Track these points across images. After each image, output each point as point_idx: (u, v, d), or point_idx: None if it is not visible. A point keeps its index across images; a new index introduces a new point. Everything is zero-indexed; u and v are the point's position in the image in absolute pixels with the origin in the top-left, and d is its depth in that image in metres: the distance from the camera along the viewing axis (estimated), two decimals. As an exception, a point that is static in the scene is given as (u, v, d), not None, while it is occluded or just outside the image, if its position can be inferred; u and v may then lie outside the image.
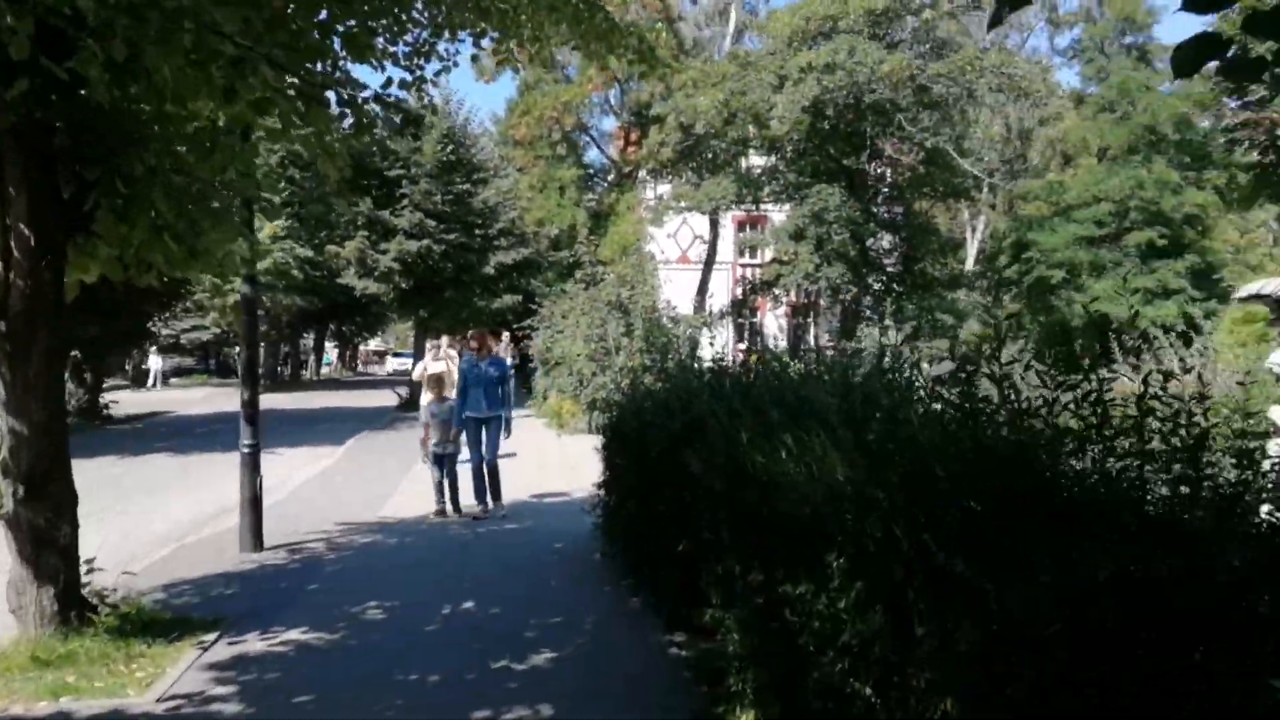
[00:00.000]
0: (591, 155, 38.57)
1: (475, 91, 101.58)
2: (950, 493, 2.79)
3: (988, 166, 28.01)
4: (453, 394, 10.11)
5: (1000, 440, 2.92)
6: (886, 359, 5.14)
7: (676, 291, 25.94)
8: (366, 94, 6.05)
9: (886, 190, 28.20)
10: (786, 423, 4.22)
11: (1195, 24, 68.31)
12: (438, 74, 6.75)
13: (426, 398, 10.43)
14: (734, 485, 4.17)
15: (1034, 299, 35.72)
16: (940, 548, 2.63)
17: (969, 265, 37.01)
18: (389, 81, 6.32)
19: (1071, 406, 3.06)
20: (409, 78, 6.80)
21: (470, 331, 10.73)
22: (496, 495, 9.87)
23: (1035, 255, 35.25)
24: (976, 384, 3.32)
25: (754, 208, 29.85)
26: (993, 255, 38.22)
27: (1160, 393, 2.88)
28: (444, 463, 9.85)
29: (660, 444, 5.56)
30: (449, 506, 9.85)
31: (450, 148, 29.19)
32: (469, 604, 6.27)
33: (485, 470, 9.76)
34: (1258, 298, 5.63)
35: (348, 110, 6.17)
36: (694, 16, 35.90)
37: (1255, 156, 23.81)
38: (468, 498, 9.84)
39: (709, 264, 31.13)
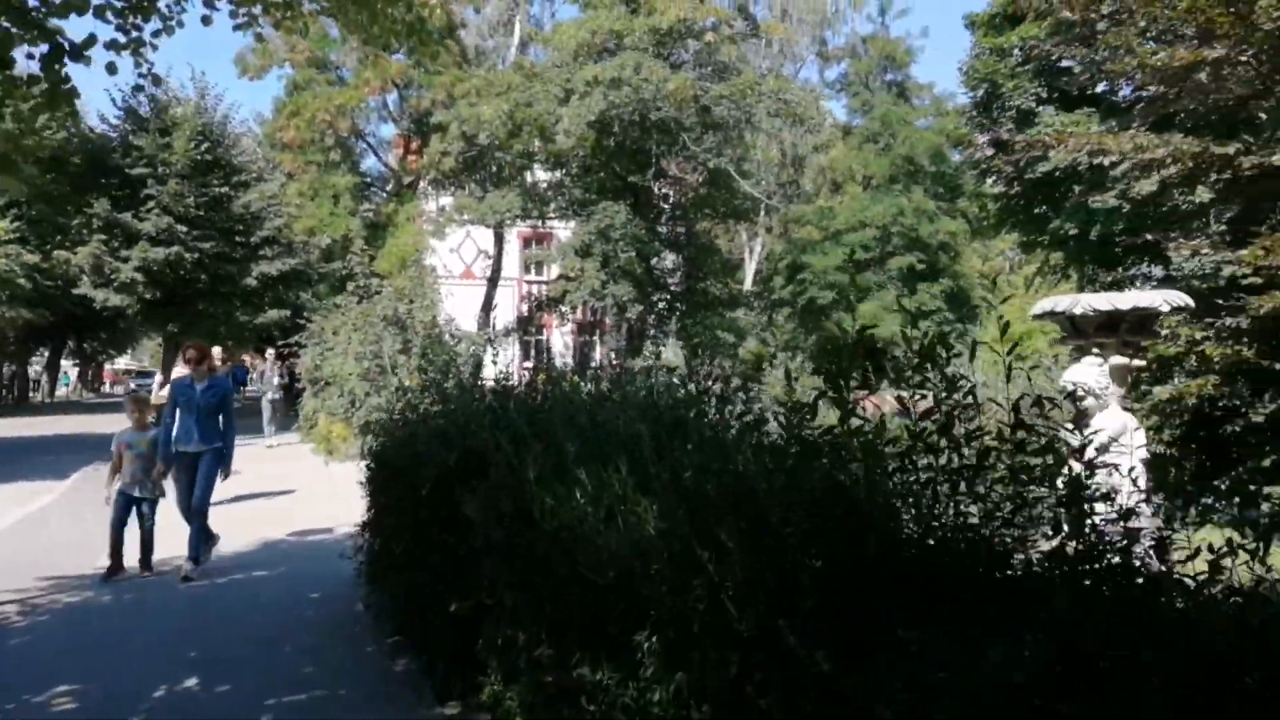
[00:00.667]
0: (369, 163, 36.59)
1: (239, 89, 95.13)
2: (802, 553, 2.16)
3: (766, 190, 28.82)
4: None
5: (867, 483, 2.33)
6: (694, 376, 4.55)
7: (460, 308, 24.81)
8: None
9: (670, 209, 28.40)
10: (584, 455, 3.51)
11: (947, 66, 74.75)
12: (157, 35, 5.58)
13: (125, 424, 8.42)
14: (519, 534, 3.41)
15: (807, 319, 37.26)
16: (794, 631, 1.98)
17: (747, 285, 38.10)
18: (91, 39, 5.12)
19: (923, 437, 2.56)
20: (122, 38, 5.61)
21: (186, 343, 8.46)
22: (196, 552, 7.94)
23: (808, 277, 36.79)
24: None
25: (540, 223, 29.25)
26: (769, 276, 39.59)
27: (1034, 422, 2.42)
28: (132, 508, 8.00)
29: (432, 479, 4.71)
30: (135, 563, 8.04)
31: (205, 146, 26.64)
32: (192, 682, 5.10)
33: (191, 518, 7.99)
34: (1051, 315, 5.47)
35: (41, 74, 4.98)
36: (477, 26, 34.93)
37: (1001, 188, 25.93)
38: (171, 550, 8.13)
39: (494, 280, 30.17)
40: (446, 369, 10.21)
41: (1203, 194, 8.24)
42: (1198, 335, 7.71)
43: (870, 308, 34.93)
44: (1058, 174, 20.36)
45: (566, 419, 4.05)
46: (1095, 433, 3.20)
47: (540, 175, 28.18)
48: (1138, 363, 5.57)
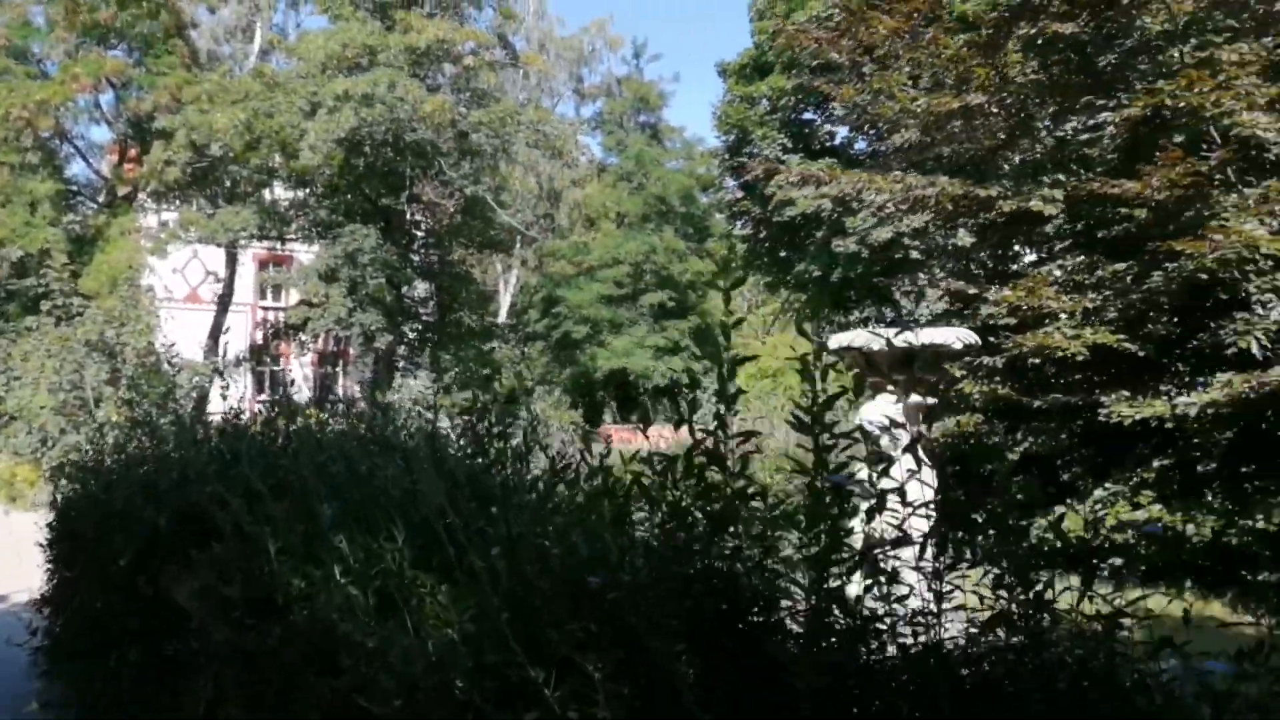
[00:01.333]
0: (76, 169, 32.44)
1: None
2: (685, 671, 1.52)
3: (525, 221, 28.35)
4: None
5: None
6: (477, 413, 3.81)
7: (183, 334, 22.25)
8: None
9: (424, 236, 27.22)
10: (345, 519, 2.71)
11: (700, 111, 78.39)
12: None
13: None
14: (253, 631, 2.54)
15: (562, 352, 37.09)
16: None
17: (502, 318, 37.41)
18: None
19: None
20: None
21: None
22: None
23: (563, 311, 36.67)
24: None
25: (279, 245, 27.06)
26: (524, 309, 39.12)
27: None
28: None
29: (134, 547, 3.66)
30: None
31: None
32: None
33: None
34: (847, 350, 5.23)
35: None
36: (211, 29, 32.11)
37: (749, 230, 27.04)
38: None
39: (224, 304, 27.48)
40: (163, 402, 8.73)
41: (965, 237, 8.59)
42: (956, 373, 7.95)
43: (623, 343, 35.38)
44: (799, 219, 21.41)
45: (317, 469, 3.18)
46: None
47: (281, 193, 26.11)
48: (930, 401, 5.48)
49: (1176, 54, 6.68)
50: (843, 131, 23.81)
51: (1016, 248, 8.17)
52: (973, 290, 7.13)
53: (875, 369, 5.68)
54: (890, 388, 5.61)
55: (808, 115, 24.17)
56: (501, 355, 31.01)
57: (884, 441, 5.37)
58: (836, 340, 5.77)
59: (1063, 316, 6.66)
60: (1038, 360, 6.56)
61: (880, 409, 5.60)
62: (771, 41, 23.85)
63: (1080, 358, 6.10)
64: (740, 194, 24.80)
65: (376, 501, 2.86)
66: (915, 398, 5.62)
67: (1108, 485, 6.42)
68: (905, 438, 5.21)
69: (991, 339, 8.26)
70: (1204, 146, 6.38)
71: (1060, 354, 6.00)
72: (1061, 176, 7.14)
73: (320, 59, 22.64)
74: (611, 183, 38.79)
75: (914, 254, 20.07)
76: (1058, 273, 6.94)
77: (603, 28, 38.57)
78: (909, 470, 4.94)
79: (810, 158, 22.49)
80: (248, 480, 3.25)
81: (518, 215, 27.64)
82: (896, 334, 5.45)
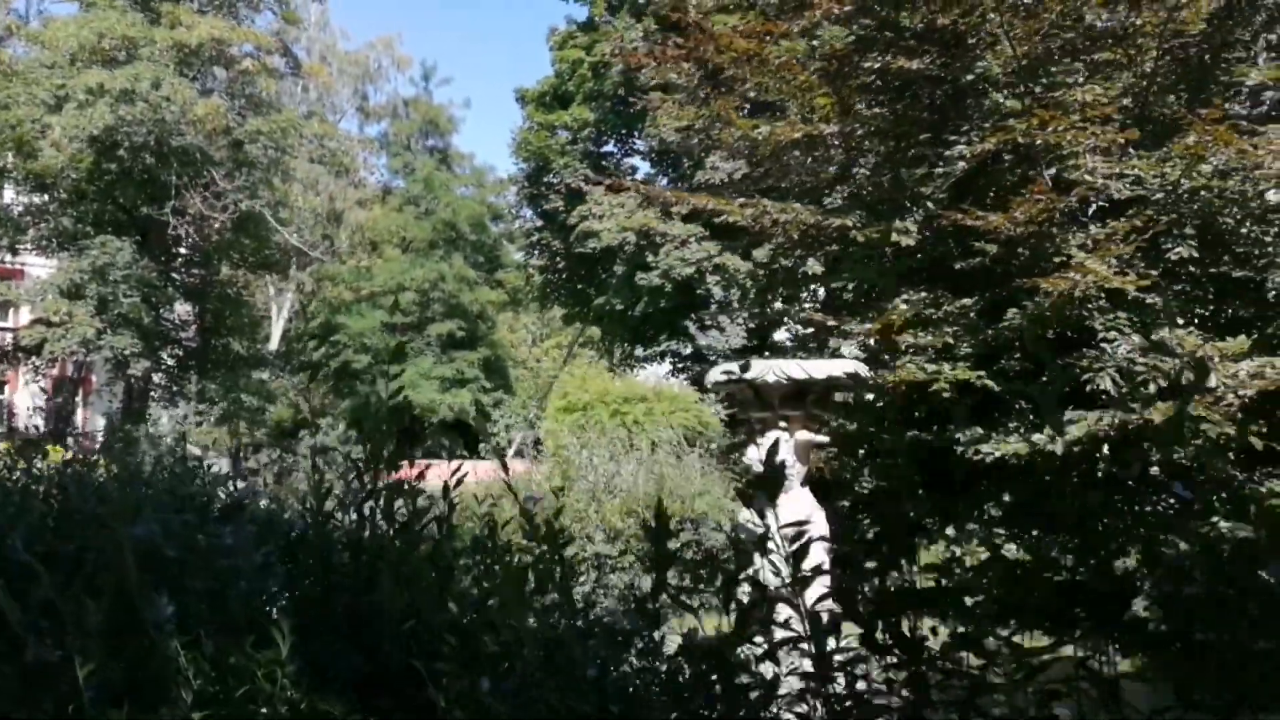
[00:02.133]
0: None
1: None
2: None
3: (308, 241, 26.38)
4: None
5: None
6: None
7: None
8: None
9: (189, 252, 24.67)
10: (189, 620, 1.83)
11: (489, 138, 77.26)
12: None
13: None
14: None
15: (341, 383, 34.89)
16: None
17: (274, 344, 34.74)
18: None
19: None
20: None
21: None
22: None
23: (343, 339, 34.55)
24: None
25: (9, 256, 23.65)
26: (299, 336, 36.58)
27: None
28: None
29: None
30: None
31: None
32: None
33: None
34: (732, 383, 4.75)
35: None
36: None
37: (544, 261, 26.52)
38: None
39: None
40: None
41: (814, 266, 8.41)
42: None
43: (408, 374, 33.72)
44: (599, 252, 21.16)
45: (140, 541, 2.22)
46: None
47: (11, 196, 22.89)
48: (820, 439, 5.10)
49: (1021, 92, 6.78)
50: (645, 167, 23.94)
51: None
52: (831, 321, 6.89)
53: (764, 403, 5.23)
54: (782, 424, 5.17)
55: (608, 148, 24.10)
56: (276, 385, 28.65)
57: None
58: (718, 372, 5.28)
59: (911, 352, 6.60)
60: (900, 395, 6.41)
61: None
62: (572, 71, 23.66)
63: (946, 394, 5.96)
64: (540, 223, 24.27)
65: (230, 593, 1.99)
66: (804, 434, 5.21)
67: (964, 524, 6.35)
68: (796, 481, 4.77)
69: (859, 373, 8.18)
70: (1045, 184, 6.48)
71: (928, 390, 5.88)
72: (909, 205, 7.18)
73: (71, 48, 20.04)
74: (397, 206, 37.17)
75: (715, 289, 20.38)
76: (903, 306, 6.83)
77: (390, 45, 37.08)
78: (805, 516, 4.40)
79: (611, 191, 22.33)
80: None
81: (296, 235, 25.63)
82: (783, 365, 5.02)
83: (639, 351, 23.76)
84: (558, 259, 24.88)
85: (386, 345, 34.21)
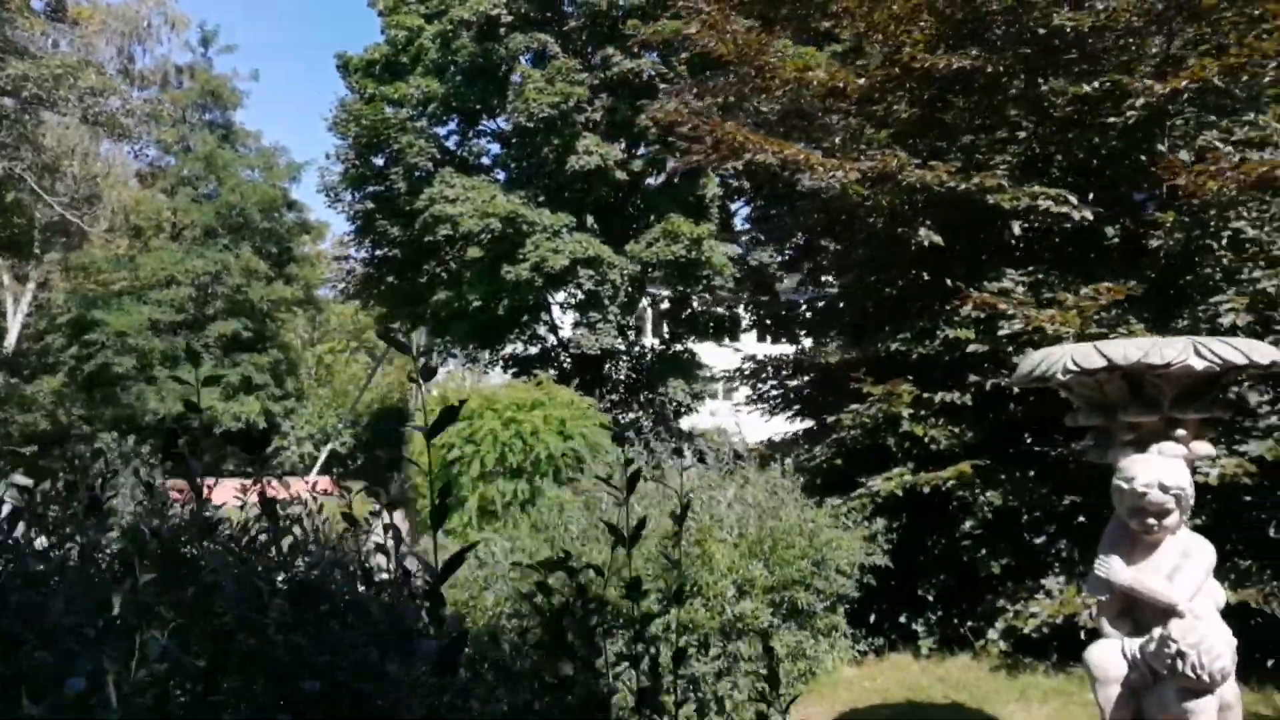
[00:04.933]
0: None
1: None
2: None
3: (85, 214, 21.87)
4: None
5: None
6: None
7: None
8: None
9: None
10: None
11: (274, 118, 70.02)
12: None
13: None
14: None
15: (99, 389, 29.64)
16: None
17: (11, 342, 29.03)
18: None
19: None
20: None
21: None
22: None
23: (101, 338, 29.34)
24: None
25: None
26: (42, 334, 30.87)
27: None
28: None
29: None
30: None
31: None
32: None
33: None
34: (1085, 374, 3.21)
35: None
36: None
37: (366, 253, 23.54)
38: None
39: None
40: None
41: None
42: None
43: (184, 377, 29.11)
44: (445, 241, 18.81)
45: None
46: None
47: None
48: (1210, 451, 3.64)
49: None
50: (495, 148, 21.60)
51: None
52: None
53: (1146, 401, 3.69)
54: (1180, 431, 3.65)
55: (452, 127, 21.62)
56: (19, 392, 23.64)
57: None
58: (1052, 361, 3.70)
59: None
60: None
61: (1166, 466, 3.62)
62: (409, 40, 20.98)
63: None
64: (371, 206, 21.29)
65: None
66: (1203, 447, 3.73)
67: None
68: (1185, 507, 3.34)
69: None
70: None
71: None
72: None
73: None
74: (169, 187, 32.23)
75: (585, 282, 18.58)
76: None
77: (163, 1, 32.07)
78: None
79: (463, 173, 19.94)
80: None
81: (70, 209, 21.15)
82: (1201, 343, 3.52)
83: (484, 355, 21.42)
84: (387, 249, 22.07)
85: (156, 347, 29.48)
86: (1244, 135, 6.42)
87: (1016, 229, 7.00)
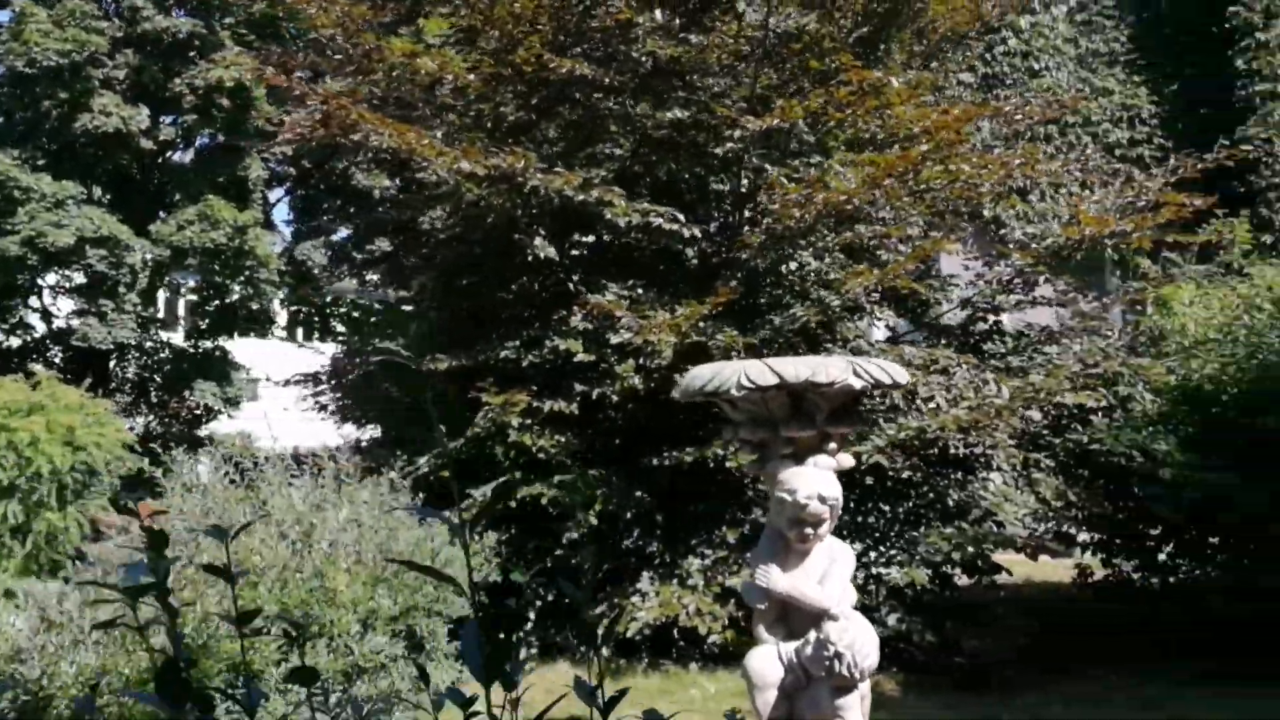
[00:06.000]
0: None
1: None
2: None
3: None
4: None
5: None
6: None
7: None
8: None
9: None
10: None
11: None
12: None
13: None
14: None
15: None
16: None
17: None
18: None
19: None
20: None
21: None
22: None
23: None
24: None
25: None
26: None
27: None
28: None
29: None
30: None
31: None
32: None
33: None
34: (759, 390, 3.58)
35: None
36: None
37: None
38: None
39: None
40: None
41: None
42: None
43: None
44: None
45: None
46: None
47: None
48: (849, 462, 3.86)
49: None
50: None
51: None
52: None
53: (803, 416, 3.86)
54: (833, 444, 3.87)
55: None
56: None
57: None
58: (718, 377, 3.78)
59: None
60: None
61: (824, 479, 3.84)
62: None
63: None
64: None
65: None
66: (849, 459, 3.99)
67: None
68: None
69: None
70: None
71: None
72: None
73: None
74: None
75: (98, 264, 15.70)
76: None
77: None
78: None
79: None
80: None
81: None
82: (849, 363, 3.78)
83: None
84: None
85: None
86: (811, 175, 7.25)
87: (619, 243, 7.20)
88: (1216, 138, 12.46)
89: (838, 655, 3.75)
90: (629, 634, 6.56)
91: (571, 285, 7.35)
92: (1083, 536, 7.75)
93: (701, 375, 4.00)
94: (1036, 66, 13.53)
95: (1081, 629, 7.72)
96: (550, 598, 7.22)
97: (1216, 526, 6.63)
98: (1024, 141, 10.75)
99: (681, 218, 6.72)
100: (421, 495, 6.18)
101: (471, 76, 7.19)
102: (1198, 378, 7.10)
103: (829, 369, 3.76)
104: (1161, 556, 7.43)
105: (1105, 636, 7.47)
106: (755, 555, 4.08)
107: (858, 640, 3.79)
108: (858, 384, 3.76)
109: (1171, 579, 7.45)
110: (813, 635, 3.85)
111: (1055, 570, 8.51)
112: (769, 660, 3.96)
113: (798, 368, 3.76)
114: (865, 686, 3.99)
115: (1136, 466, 6.91)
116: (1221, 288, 8.26)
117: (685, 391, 4.12)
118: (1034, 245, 8.19)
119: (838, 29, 7.53)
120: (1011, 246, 8.04)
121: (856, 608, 4.11)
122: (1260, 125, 12.37)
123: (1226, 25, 12.87)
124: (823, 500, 3.80)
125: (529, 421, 6.87)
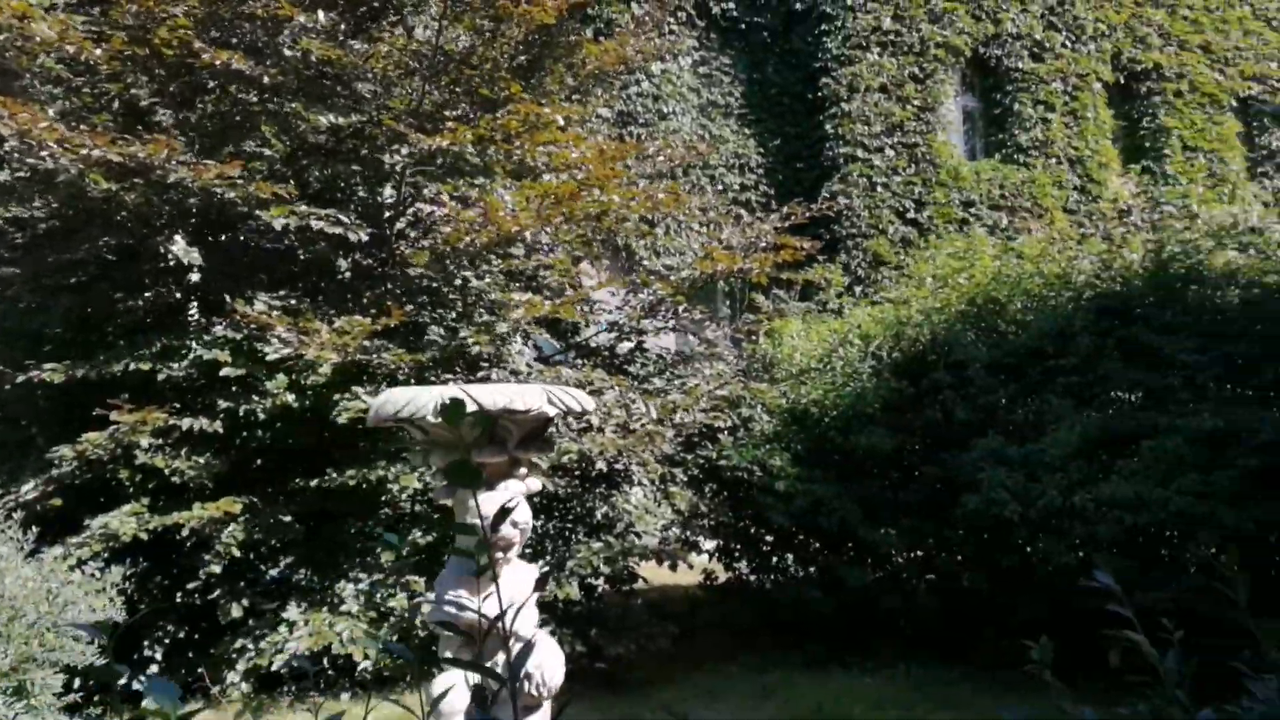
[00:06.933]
0: None
1: None
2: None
3: None
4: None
5: None
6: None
7: None
8: None
9: None
10: None
11: None
12: None
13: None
14: None
15: None
16: None
17: None
18: None
19: None
20: None
21: None
22: None
23: None
24: None
25: None
26: None
27: None
28: None
29: None
30: None
31: None
32: None
33: None
34: (453, 415, 3.85)
35: None
36: None
37: None
38: None
39: None
40: None
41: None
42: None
43: None
44: None
45: None
46: None
47: None
48: (537, 485, 3.91)
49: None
50: None
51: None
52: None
53: (496, 442, 3.93)
54: (522, 469, 3.96)
55: None
56: None
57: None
58: (412, 401, 3.77)
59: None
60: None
61: (515, 504, 3.95)
62: None
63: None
64: None
65: None
66: (539, 482, 4.09)
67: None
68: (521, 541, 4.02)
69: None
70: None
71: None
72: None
73: None
74: None
75: None
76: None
77: None
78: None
79: None
80: None
81: None
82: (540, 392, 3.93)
83: None
84: None
85: None
86: (474, 195, 7.33)
87: (269, 248, 6.73)
88: (809, 190, 14.54)
89: (527, 675, 3.86)
90: (275, 667, 6.14)
91: (208, 294, 6.75)
92: (708, 544, 8.57)
93: (396, 400, 3.90)
94: (665, 110, 14.75)
95: (712, 628, 8.54)
96: (180, 635, 6.55)
97: (820, 531, 7.67)
98: (666, 180, 11.68)
99: (345, 220, 6.45)
100: (35, 528, 5.30)
101: (99, 51, 6.35)
102: (805, 402, 8.19)
103: (525, 397, 3.86)
104: (775, 559, 8.45)
105: (732, 634, 8.33)
106: (442, 580, 4.06)
107: (545, 661, 3.92)
108: (552, 411, 3.90)
109: (780, 579, 8.48)
110: (500, 658, 3.92)
111: (685, 575, 9.32)
112: (454, 686, 3.96)
113: (495, 396, 3.82)
114: (549, 705, 4.13)
115: (756, 479, 7.80)
116: (819, 324, 9.60)
117: (377, 416, 4.00)
118: (671, 276, 8.93)
119: (500, 54, 7.69)
120: (652, 276, 8.69)
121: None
122: (842, 184, 14.56)
123: (819, 94, 15.00)
124: (514, 525, 3.88)
125: (162, 442, 6.18)
